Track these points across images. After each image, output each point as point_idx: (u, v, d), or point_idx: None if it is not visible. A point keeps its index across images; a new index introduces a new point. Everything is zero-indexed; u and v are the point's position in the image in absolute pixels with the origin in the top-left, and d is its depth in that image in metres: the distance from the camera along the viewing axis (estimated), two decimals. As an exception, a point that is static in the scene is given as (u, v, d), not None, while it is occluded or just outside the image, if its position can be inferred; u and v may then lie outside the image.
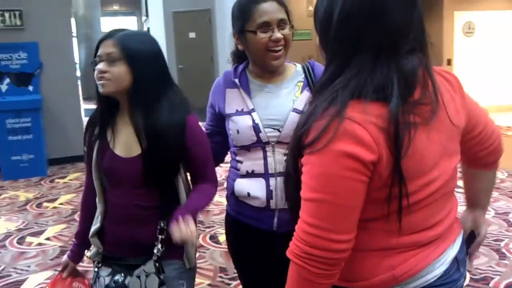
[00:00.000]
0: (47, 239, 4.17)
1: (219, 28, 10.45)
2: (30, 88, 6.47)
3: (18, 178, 6.07)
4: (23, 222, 4.59)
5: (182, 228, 1.50)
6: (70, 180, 6.05)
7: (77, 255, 1.83)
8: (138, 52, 1.61)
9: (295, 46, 1.85)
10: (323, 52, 1.16)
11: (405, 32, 1.06)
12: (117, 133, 1.66)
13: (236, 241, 1.88)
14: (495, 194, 4.90)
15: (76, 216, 4.68)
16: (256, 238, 1.76)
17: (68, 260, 1.82)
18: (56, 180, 6.05)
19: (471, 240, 1.42)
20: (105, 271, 1.70)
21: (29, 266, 3.64)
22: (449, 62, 9.38)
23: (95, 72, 1.62)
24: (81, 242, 1.81)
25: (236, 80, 1.74)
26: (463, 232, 1.33)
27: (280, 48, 1.66)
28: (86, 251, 1.79)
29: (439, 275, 1.15)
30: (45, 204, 5.14)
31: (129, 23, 23.05)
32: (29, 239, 4.17)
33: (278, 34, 1.64)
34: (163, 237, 1.61)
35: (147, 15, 17.54)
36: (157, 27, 12.76)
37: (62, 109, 6.68)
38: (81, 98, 8.15)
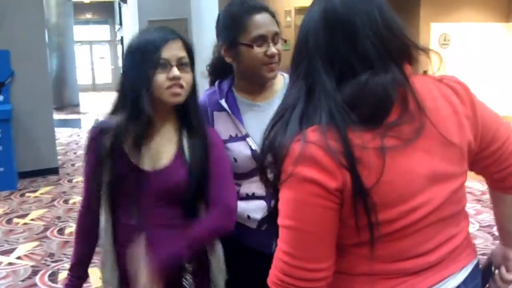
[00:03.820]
0: (18, 258, 3.95)
1: (196, 38, 10.31)
2: (0, 97, 6.22)
3: (-14, 192, 5.80)
4: (-8, 240, 4.36)
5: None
6: (42, 194, 5.80)
7: None
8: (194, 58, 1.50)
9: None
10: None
11: (364, 47, 1.00)
12: (142, 143, 1.46)
13: (232, 263, 1.74)
14: (477, 206, 4.88)
15: (49, 233, 4.48)
16: (253, 260, 1.63)
17: None
18: (27, 194, 5.80)
19: (488, 273, 1.28)
20: None
21: (-2, 288, 3.43)
22: (425, 73, 9.46)
23: (163, 78, 1.41)
24: (79, 274, 1.60)
25: (223, 102, 1.62)
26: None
27: (275, 63, 1.56)
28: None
29: None
30: (15, 220, 4.90)
31: (102, 31, 22.76)
32: (1, 258, 3.94)
33: (273, 49, 1.54)
34: (190, 266, 1.46)
35: (120, 24, 17.32)
36: (131, 36, 12.59)
37: (33, 120, 6.43)
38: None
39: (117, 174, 1.44)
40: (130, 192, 1.44)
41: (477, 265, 1.17)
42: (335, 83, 1.00)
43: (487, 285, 1.27)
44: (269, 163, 1.05)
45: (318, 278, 1.00)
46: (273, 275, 1.03)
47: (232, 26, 1.57)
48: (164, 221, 1.45)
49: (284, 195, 1.01)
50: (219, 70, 1.71)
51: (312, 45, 1.04)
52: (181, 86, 1.43)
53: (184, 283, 1.45)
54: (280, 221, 1.02)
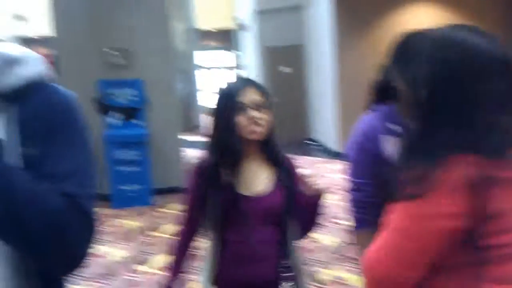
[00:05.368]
0: (152, 267, 4.36)
1: (313, 64, 10.55)
2: (138, 122, 6.75)
3: (125, 206, 6.38)
4: (132, 250, 4.83)
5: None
6: (173, 210, 6.23)
7: None
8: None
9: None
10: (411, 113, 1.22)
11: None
12: (239, 174, 1.77)
13: None
14: None
15: (180, 247, 4.84)
16: None
17: None
18: (160, 210, 6.30)
19: None
20: None
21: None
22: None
23: (244, 119, 1.72)
24: (175, 275, 1.91)
25: (394, 126, 1.64)
26: None
27: None
28: None
29: None
30: (150, 233, 5.38)
31: (223, 57, 23.78)
32: (138, 267, 4.39)
33: None
34: (288, 274, 1.73)
35: (240, 50, 18.09)
36: (251, 62, 13.18)
37: (165, 142, 7.00)
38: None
39: (221, 201, 1.75)
40: (236, 215, 1.75)
41: None
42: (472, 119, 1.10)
43: None
44: (399, 180, 1.14)
45: (401, 282, 1.11)
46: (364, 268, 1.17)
47: None
48: (265, 238, 1.77)
49: (408, 208, 1.10)
50: (381, 92, 1.76)
51: (470, 92, 1.11)
52: (259, 125, 1.72)
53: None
54: (393, 225, 1.12)
